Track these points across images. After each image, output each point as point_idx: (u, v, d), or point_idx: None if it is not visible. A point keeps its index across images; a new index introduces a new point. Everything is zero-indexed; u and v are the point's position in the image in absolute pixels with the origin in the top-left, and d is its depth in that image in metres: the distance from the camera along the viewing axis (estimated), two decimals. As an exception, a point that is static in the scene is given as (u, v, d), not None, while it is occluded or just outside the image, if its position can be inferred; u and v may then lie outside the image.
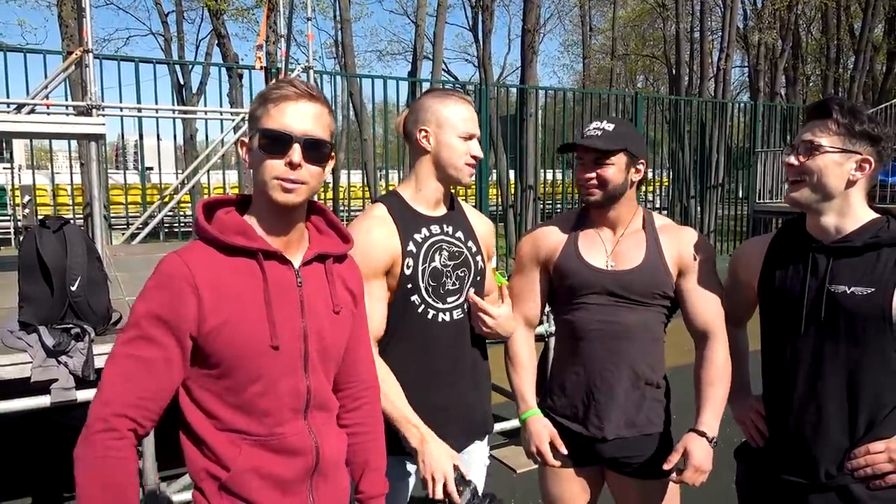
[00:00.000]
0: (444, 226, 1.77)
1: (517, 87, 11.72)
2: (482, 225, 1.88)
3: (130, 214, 11.22)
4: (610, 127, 1.77)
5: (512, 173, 11.93)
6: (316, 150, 1.22)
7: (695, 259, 1.79)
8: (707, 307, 1.78)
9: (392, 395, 1.58)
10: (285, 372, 1.23)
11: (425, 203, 1.76)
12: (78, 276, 2.70)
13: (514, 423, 3.55)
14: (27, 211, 8.96)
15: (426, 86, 12.66)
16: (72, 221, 2.81)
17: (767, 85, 18.89)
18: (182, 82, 17.69)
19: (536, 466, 1.93)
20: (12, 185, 9.30)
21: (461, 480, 1.52)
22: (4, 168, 10.75)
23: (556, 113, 10.72)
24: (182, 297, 1.16)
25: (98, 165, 4.50)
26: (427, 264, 1.71)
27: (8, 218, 9.89)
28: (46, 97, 6.71)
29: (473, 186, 9.10)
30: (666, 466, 1.70)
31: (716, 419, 1.74)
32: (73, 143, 8.62)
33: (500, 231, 10.16)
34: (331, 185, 11.46)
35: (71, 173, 8.61)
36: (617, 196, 1.79)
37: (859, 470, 1.50)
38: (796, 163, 1.52)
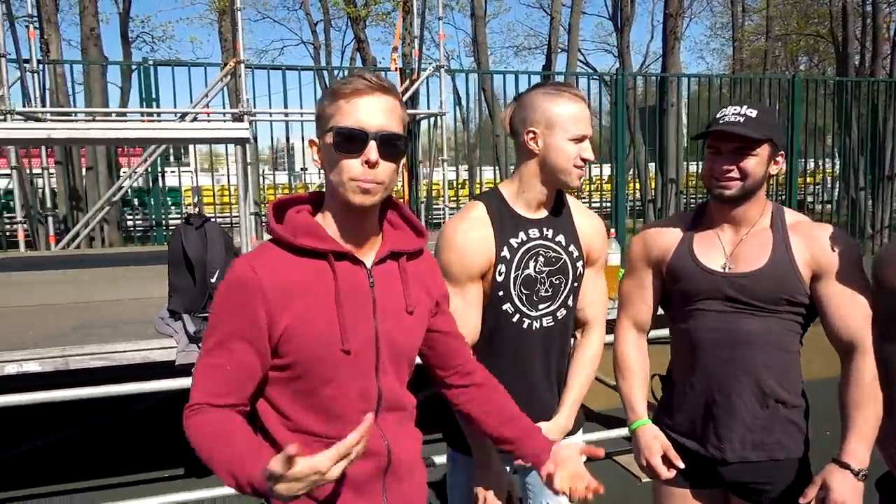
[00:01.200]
0: (545, 229, 1.68)
1: (656, 76, 11.13)
2: (589, 225, 1.76)
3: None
4: (753, 113, 1.56)
5: (652, 166, 11.38)
6: (392, 146, 1.17)
7: (834, 260, 1.56)
8: (851, 316, 1.55)
9: None
10: (356, 375, 1.22)
11: (526, 205, 1.68)
12: (217, 269, 2.94)
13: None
14: (196, 210, 9.96)
15: (560, 79, 12.44)
16: (231, 219, 3.06)
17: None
18: (327, 86, 18.78)
19: None
20: (180, 186, 10.30)
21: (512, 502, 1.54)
22: (184, 171, 12.03)
23: (700, 101, 10.06)
24: (251, 305, 1.15)
25: (244, 167, 4.87)
26: (520, 271, 1.64)
27: (179, 216, 11.07)
28: (207, 105, 7.41)
29: (610, 181, 8.79)
30: (802, 501, 1.50)
31: (864, 448, 1.49)
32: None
33: (639, 228, 9.72)
34: (466, 181, 11.61)
35: (227, 174, 9.39)
36: (754, 191, 1.60)
37: None
38: None
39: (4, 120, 6.04)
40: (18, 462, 3.62)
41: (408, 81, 7.96)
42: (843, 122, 11.35)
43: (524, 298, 1.66)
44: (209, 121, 7.71)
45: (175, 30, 43.92)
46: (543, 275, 1.66)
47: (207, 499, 3.03)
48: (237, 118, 6.75)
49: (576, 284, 1.72)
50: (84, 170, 9.00)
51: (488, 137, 12.50)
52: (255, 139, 7.15)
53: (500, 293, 1.64)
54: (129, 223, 11.69)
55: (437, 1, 7.48)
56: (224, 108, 8.27)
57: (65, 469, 3.61)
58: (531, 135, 1.61)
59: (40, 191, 8.22)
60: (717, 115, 1.60)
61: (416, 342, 1.33)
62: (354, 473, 1.22)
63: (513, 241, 1.64)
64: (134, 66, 9.15)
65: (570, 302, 1.73)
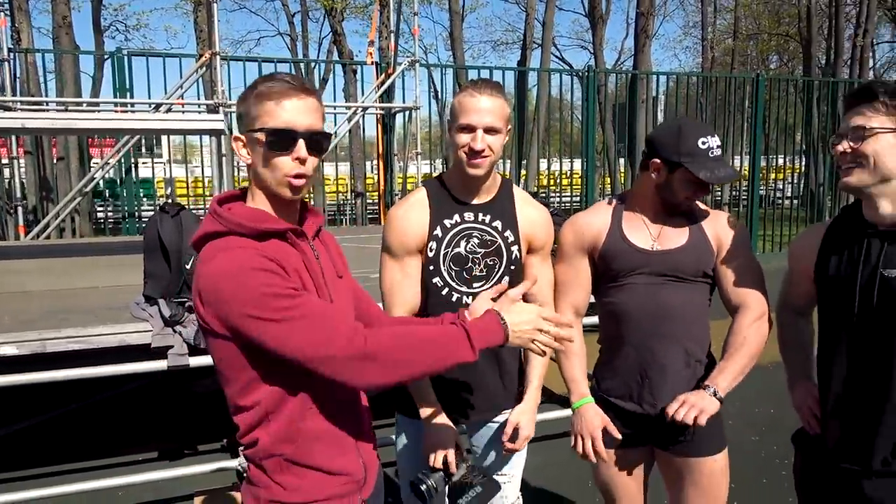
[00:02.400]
0: (481, 214, 1.83)
1: (626, 73, 11.35)
2: (532, 215, 1.89)
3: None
4: (719, 141, 1.75)
5: (623, 161, 11.61)
6: (318, 143, 1.25)
7: (730, 240, 1.82)
8: (741, 285, 1.80)
9: None
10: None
11: (465, 191, 1.82)
12: (192, 256, 3.02)
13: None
14: (168, 201, 9.94)
15: (533, 75, 12.62)
16: (204, 210, 3.14)
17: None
18: (306, 78, 18.72)
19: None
20: (153, 177, 10.26)
21: (461, 455, 1.66)
22: (157, 162, 11.94)
23: (674, 98, 10.30)
24: (279, 271, 1.21)
25: (220, 158, 4.93)
26: (450, 249, 1.80)
27: (152, 208, 11.02)
28: (181, 97, 7.42)
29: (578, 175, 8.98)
30: (668, 412, 1.73)
31: (726, 382, 1.74)
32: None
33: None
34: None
35: (202, 165, 9.40)
36: None
37: None
38: (848, 149, 1.46)
39: (-26, 109, 6.01)
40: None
41: (383, 75, 8.05)
42: (806, 120, 11.70)
43: (454, 274, 1.81)
44: (184, 112, 7.71)
45: (149, 19, 43.19)
46: (477, 255, 1.81)
47: (185, 476, 3.13)
48: (212, 109, 6.79)
49: (512, 267, 1.85)
50: (55, 160, 8.93)
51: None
52: (230, 130, 7.17)
53: (431, 268, 1.81)
54: (101, 215, 11.60)
55: (411, -4, 7.57)
56: (199, 99, 8.27)
57: (41, 452, 3.67)
58: (448, 126, 1.80)
59: (7, 181, 8.15)
60: (701, 147, 1.72)
61: (350, 303, 1.45)
62: (333, 430, 1.32)
63: (446, 222, 1.81)
64: (107, 56, 9.10)
65: (504, 283, 1.82)
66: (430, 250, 1.81)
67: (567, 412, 3.45)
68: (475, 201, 1.84)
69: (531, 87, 14.68)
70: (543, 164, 13.67)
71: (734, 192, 11.84)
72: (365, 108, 7.90)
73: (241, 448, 1.37)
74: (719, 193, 13.63)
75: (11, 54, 7.09)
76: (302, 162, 1.24)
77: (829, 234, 1.63)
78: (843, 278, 1.53)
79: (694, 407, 1.68)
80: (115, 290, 3.65)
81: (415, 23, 7.53)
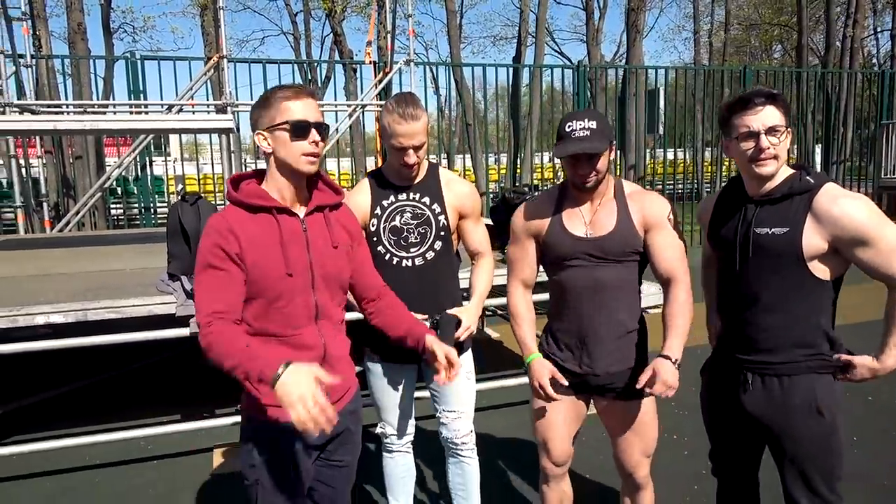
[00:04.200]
0: (412, 193, 2.32)
1: (616, 67, 11.74)
2: (457, 189, 2.37)
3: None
4: (594, 124, 2.03)
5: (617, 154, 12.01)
6: (324, 131, 1.68)
7: (656, 217, 2.09)
8: (667, 257, 2.10)
9: None
10: (299, 291, 1.69)
11: (397, 177, 2.32)
12: (208, 239, 3.50)
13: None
14: (187, 192, 10.44)
15: (526, 71, 13.01)
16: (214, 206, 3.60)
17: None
18: (309, 78, 19.31)
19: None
20: (166, 174, 10.75)
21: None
22: (170, 160, 12.42)
23: (676, 90, 10.69)
24: (227, 237, 1.61)
25: (228, 155, 5.38)
26: (388, 223, 2.31)
27: (164, 204, 11.55)
28: (192, 98, 7.89)
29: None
30: (639, 385, 2.05)
31: (679, 345, 2.06)
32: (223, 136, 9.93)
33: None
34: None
35: (211, 163, 9.87)
36: (602, 179, 2.12)
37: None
38: (769, 146, 1.84)
39: (3, 113, 6.50)
40: (42, 406, 4.19)
41: (381, 74, 8.49)
42: (799, 111, 12.05)
43: (393, 243, 2.32)
44: (194, 112, 8.19)
45: (156, 21, 43.78)
46: (411, 226, 2.31)
47: (206, 429, 3.62)
48: (221, 109, 7.25)
49: (441, 233, 2.33)
50: (72, 159, 9.45)
51: (464, 126, 13.02)
52: (238, 129, 7.64)
53: (374, 239, 2.30)
54: (115, 211, 12.11)
55: (407, -2, 7.98)
56: (208, 99, 8.76)
57: (85, 410, 4.16)
58: (381, 135, 2.27)
59: (33, 179, 8.67)
60: (567, 129, 2.06)
61: (343, 267, 1.79)
62: (300, 362, 1.67)
63: (384, 202, 2.31)
64: (119, 59, 9.59)
65: (436, 246, 2.34)
66: (373, 225, 2.31)
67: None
68: (410, 184, 2.32)
69: (526, 85, 15.05)
70: (539, 158, 14.07)
71: (724, 183, 12.21)
72: (364, 106, 8.33)
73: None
74: (709, 186, 14.03)
75: (33, 60, 7.60)
76: (316, 144, 1.68)
77: (719, 202, 2.06)
78: (725, 235, 1.99)
79: (671, 389, 1.98)
80: (140, 272, 4.14)
81: (409, 24, 7.96)
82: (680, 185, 13.72)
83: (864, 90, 12.87)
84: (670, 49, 75.26)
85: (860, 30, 14.85)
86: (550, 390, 2.13)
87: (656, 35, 67.48)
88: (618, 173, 11.75)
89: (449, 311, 2.30)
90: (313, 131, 1.66)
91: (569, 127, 2.03)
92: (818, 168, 12.77)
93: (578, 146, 1.99)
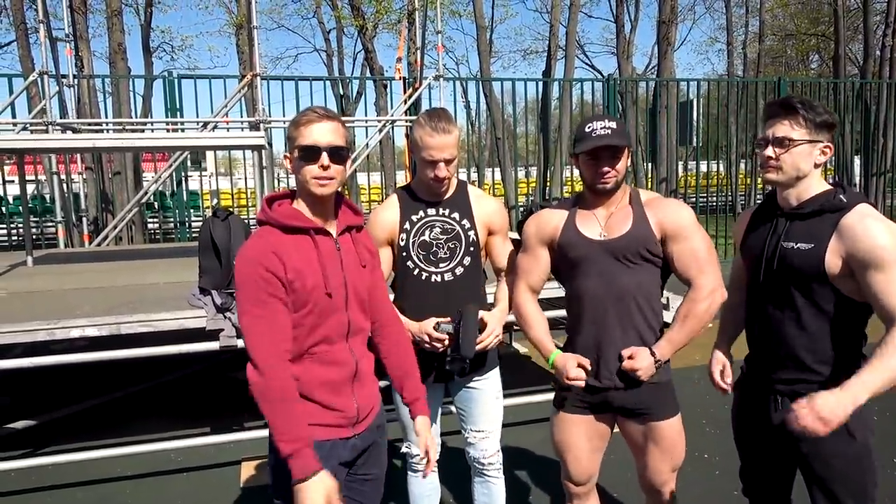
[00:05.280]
0: (441, 209, 2.32)
1: (646, 80, 11.65)
2: (485, 206, 2.37)
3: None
4: (614, 125, 2.05)
5: (650, 167, 11.92)
6: (338, 154, 1.69)
7: (675, 223, 2.05)
8: (689, 265, 2.05)
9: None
10: (335, 310, 1.72)
11: (427, 193, 2.31)
12: (239, 254, 3.55)
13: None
14: (219, 208, 10.65)
15: (556, 86, 13.00)
16: (248, 220, 3.66)
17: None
18: (341, 94, 19.59)
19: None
20: (201, 189, 10.98)
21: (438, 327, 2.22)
22: (204, 175, 12.68)
23: (708, 102, 10.58)
24: (273, 261, 1.62)
25: (261, 171, 5.48)
26: (417, 238, 2.30)
27: (199, 218, 11.79)
28: (226, 115, 8.08)
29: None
30: (625, 363, 2.04)
31: (669, 348, 2.06)
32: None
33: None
34: (475, 182, 12.13)
35: (245, 178, 10.04)
36: (620, 182, 2.12)
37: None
38: (773, 156, 1.84)
39: (46, 131, 6.73)
40: (72, 419, 4.29)
41: (411, 89, 8.57)
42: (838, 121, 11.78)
43: (422, 257, 2.30)
44: (228, 129, 8.37)
45: (193, 40, 45.00)
46: (440, 241, 2.30)
47: (234, 442, 3.66)
48: (254, 126, 7.39)
49: (471, 248, 2.31)
50: (111, 175, 9.73)
51: (493, 140, 13.05)
52: (271, 145, 7.78)
53: (404, 254, 2.30)
54: (151, 225, 12.40)
55: (437, 15, 8.06)
56: (242, 117, 8.94)
57: (118, 421, 4.25)
58: (412, 149, 2.28)
59: (71, 195, 8.94)
60: (587, 129, 2.07)
61: (368, 286, 1.88)
62: (332, 378, 1.76)
63: (413, 217, 2.30)
64: (157, 78, 9.87)
65: (465, 262, 2.31)
66: (402, 240, 2.30)
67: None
68: (439, 200, 2.32)
69: (556, 99, 15.03)
70: (570, 172, 14.01)
71: (759, 195, 11.99)
72: (394, 121, 8.41)
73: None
74: (744, 198, 13.76)
75: (76, 80, 7.86)
76: (324, 168, 1.69)
77: (755, 215, 2.03)
78: (754, 247, 1.96)
79: (636, 370, 2.02)
80: (174, 286, 4.22)
81: (439, 40, 8.03)
82: (714, 198, 13.49)
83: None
84: (703, 62, 74.45)
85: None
86: (580, 381, 2.08)
87: (689, 48, 66.84)
88: (648, 186, 11.62)
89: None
90: (324, 155, 1.68)
91: (588, 128, 2.05)
92: (857, 179, 12.49)
93: (601, 140, 2.01)
